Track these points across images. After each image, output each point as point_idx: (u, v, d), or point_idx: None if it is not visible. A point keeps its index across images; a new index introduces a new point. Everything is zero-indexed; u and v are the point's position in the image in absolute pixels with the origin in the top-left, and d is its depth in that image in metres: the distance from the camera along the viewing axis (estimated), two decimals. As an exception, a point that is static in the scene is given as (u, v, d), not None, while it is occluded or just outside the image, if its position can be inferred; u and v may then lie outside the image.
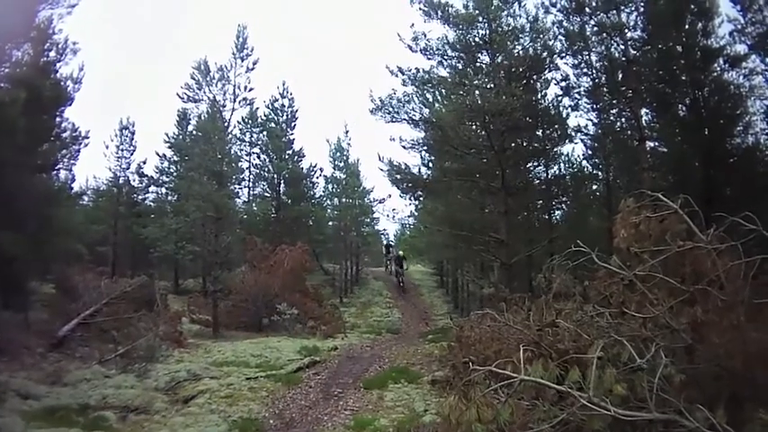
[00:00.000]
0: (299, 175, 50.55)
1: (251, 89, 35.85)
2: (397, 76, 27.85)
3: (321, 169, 51.84)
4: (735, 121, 24.46)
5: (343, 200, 51.20)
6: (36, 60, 23.36)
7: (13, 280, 23.81)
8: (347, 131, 52.04)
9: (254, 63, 35.51)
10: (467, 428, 7.96)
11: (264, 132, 50.56)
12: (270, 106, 49.62)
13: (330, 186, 52.07)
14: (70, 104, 25.76)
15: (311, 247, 40.81)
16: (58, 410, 14.04)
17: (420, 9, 27.10)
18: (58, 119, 25.39)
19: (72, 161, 28.60)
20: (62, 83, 25.00)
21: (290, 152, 50.17)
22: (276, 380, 18.38)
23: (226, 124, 36.32)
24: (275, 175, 49.84)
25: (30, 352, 19.96)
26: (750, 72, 23.94)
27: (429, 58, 27.99)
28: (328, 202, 53.59)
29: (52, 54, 24.45)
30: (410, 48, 27.46)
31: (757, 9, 22.66)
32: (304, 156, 51.19)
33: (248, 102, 37.61)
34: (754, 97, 24.18)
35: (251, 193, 52.45)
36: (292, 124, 50.07)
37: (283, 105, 49.75)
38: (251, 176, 51.75)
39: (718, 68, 24.48)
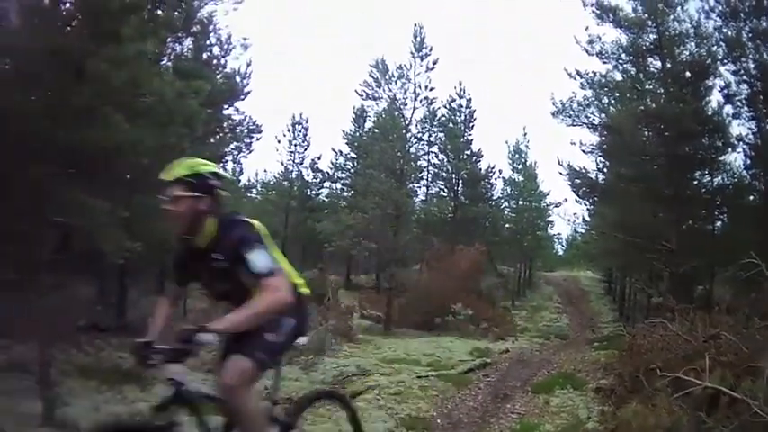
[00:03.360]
0: (477, 175, 50.29)
1: (431, 89, 36.16)
2: (575, 79, 28.16)
3: (500, 171, 51.82)
4: None
5: (520, 202, 51.15)
6: (198, 55, 24.37)
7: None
8: (525, 133, 51.96)
9: (434, 63, 35.95)
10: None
11: (443, 132, 50.34)
12: (448, 106, 49.44)
13: (508, 188, 52.02)
14: (243, 98, 26.98)
15: (487, 249, 40.40)
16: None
17: (593, 12, 27.55)
18: (227, 112, 26.60)
19: (244, 154, 29.74)
20: (231, 77, 26.06)
21: (468, 152, 49.92)
22: (447, 380, 18.24)
23: (406, 123, 36.61)
24: (453, 175, 49.96)
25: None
26: None
27: (604, 62, 28.50)
28: (505, 203, 53.68)
29: (216, 50, 25.50)
30: (586, 51, 28.01)
31: None
32: (482, 156, 50.85)
33: (429, 101, 37.94)
34: None
35: (428, 191, 52.58)
36: (470, 125, 49.85)
37: (461, 105, 49.58)
38: (429, 175, 51.88)
39: None
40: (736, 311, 11.64)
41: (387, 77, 38.29)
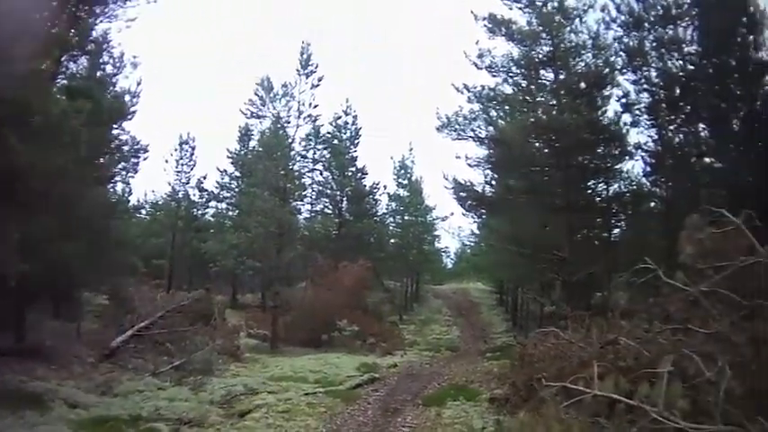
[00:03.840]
0: (362, 192, 50.14)
1: (315, 106, 36.02)
2: (462, 93, 28.14)
3: (384, 186, 51.79)
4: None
5: (406, 217, 51.32)
6: (93, 73, 23.85)
7: (66, 289, 24.04)
8: (411, 149, 52.18)
9: (319, 80, 35.69)
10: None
11: (328, 149, 50.14)
12: (333, 123, 49.31)
13: (393, 204, 52.11)
14: (131, 118, 26.45)
15: (372, 265, 40.35)
16: (107, 420, 13.96)
17: (485, 26, 27.45)
18: (116, 131, 25.99)
19: (131, 174, 29.39)
20: (121, 97, 25.49)
21: (353, 169, 49.72)
22: (335, 396, 18.27)
23: (290, 141, 36.49)
24: (338, 192, 49.63)
25: (80, 361, 20.29)
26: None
27: (494, 76, 28.38)
28: (390, 219, 54.01)
29: (109, 68, 25.08)
30: (476, 65, 27.90)
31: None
32: (367, 173, 50.65)
33: (313, 118, 37.89)
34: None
35: (312, 209, 52.32)
36: (356, 141, 49.76)
37: (347, 123, 49.45)
38: (313, 193, 51.49)
39: (770, 82, 23.95)
40: (633, 316, 11.79)
41: (271, 95, 38.20)
